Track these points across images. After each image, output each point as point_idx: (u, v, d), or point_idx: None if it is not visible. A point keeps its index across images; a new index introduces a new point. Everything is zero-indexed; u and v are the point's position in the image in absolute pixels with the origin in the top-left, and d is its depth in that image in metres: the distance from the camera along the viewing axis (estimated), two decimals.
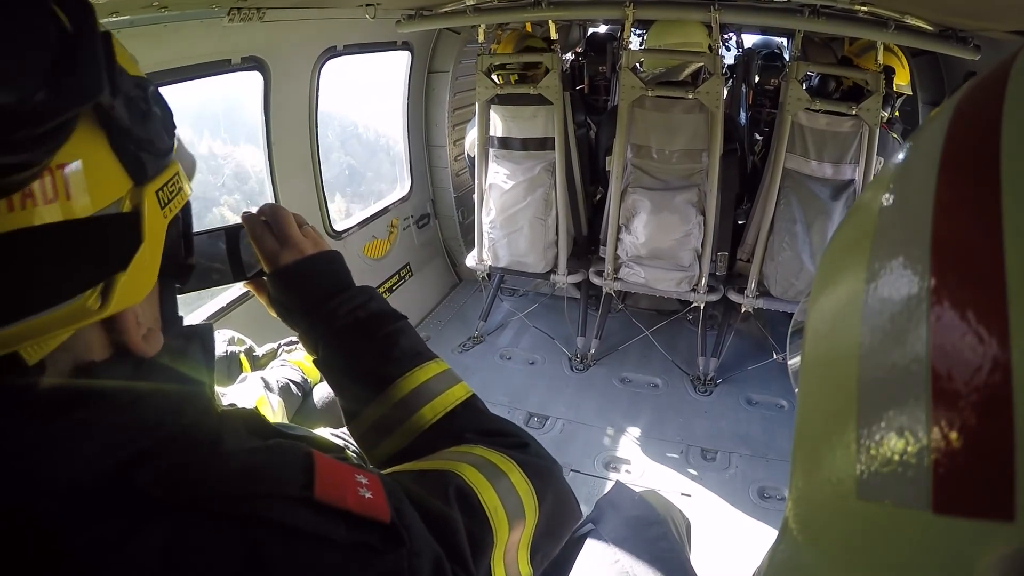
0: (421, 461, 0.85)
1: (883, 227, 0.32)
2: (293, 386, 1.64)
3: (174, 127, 0.65)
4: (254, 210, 1.03)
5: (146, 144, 0.60)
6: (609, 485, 1.80)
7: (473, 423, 0.96)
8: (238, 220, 1.02)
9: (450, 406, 0.95)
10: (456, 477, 0.80)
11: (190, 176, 0.72)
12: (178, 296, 0.76)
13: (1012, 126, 0.27)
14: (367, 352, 0.96)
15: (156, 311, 0.68)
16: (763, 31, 5.43)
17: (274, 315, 1.02)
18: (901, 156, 0.34)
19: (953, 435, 0.25)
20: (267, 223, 1.00)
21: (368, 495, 0.66)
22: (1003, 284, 0.24)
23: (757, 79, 5.10)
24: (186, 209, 0.71)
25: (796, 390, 0.42)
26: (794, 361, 0.59)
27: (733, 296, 3.82)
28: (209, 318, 2.86)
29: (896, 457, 0.27)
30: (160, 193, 0.62)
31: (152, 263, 0.62)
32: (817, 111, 3.30)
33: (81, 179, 0.52)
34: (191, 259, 0.73)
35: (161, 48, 2.43)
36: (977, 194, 0.27)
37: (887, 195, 0.33)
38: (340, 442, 1.07)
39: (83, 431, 0.55)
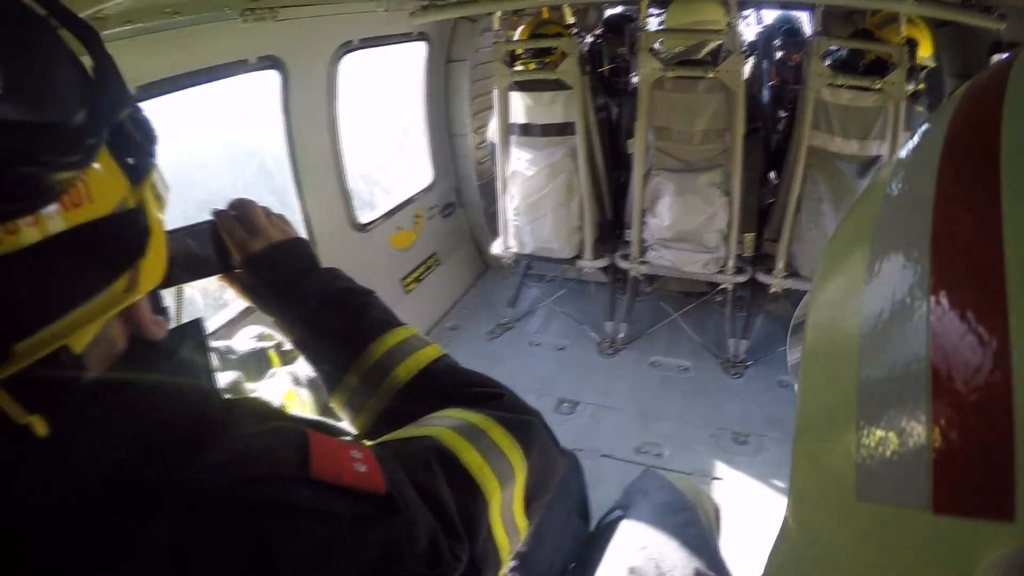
0: (400, 431, 0.88)
1: (883, 227, 0.32)
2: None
3: (154, 129, 0.69)
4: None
5: (139, 147, 0.65)
6: (640, 470, 1.80)
7: (447, 377, 1.00)
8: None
9: (423, 364, 0.99)
10: (434, 441, 0.82)
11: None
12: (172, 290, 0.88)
13: (1012, 127, 0.27)
14: (339, 325, 1.01)
15: (149, 305, 0.72)
16: (783, 6, 5.32)
17: (247, 303, 1.07)
18: (902, 154, 0.34)
19: (953, 435, 0.25)
20: (237, 216, 1.05)
21: (363, 468, 0.69)
22: (1003, 284, 0.24)
23: (779, 55, 5.01)
24: None
25: (795, 386, 0.42)
26: (794, 356, 0.58)
27: (761, 277, 3.78)
28: (240, 314, 2.90)
29: (896, 457, 0.28)
30: (152, 189, 0.67)
31: (160, 249, 0.67)
32: (840, 86, 3.23)
33: (98, 183, 0.58)
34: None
35: (177, 53, 2.46)
36: (977, 195, 0.27)
37: (889, 193, 0.33)
38: None
39: (93, 430, 0.58)
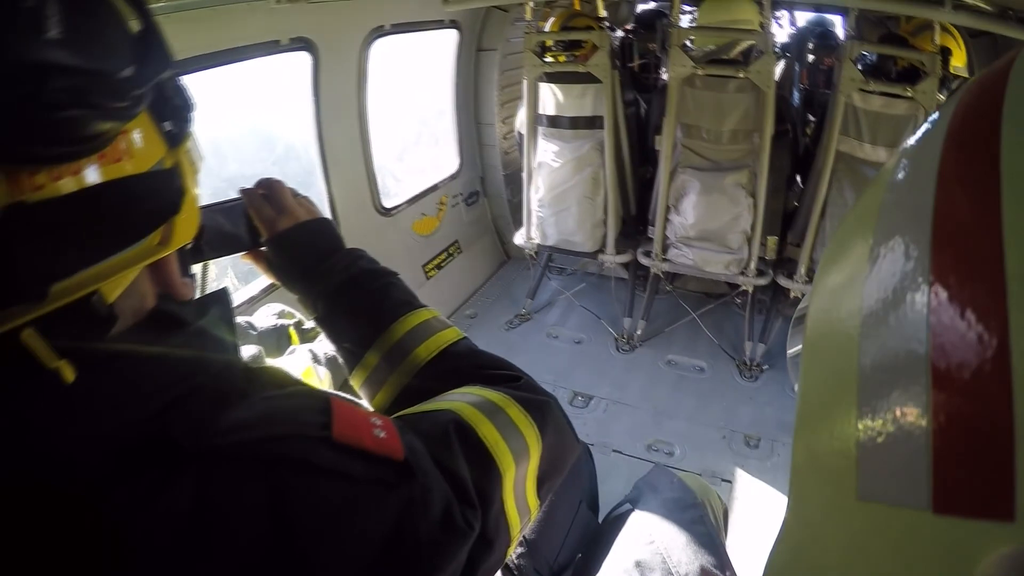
0: (420, 405, 0.89)
1: (885, 217, 0.32)
2: (336, 354, 1.68)
3: (192, 97, 0.73)
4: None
5: (178, 112, 0.69)
6: (650, 467, 1.81)
7: (466, 359, 1.02)
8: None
9: (443, 345, 1.01)
10: (453, 414, 0.83)
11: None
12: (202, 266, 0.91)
13: (1012, 124, 0.27)
14: (362, 304, 1.03)
15: (178, 268, 0.76)
16: (816, 8, 5.25)
17: (272, 280, 1.09)
18: (908, 144, 0.34)
19: (952, 435, 0.25)
20: (265, 195, 1.07)
21: (383, 435, 0.71)
22: (1003, 282, 0.24)
23: (811, 58, 4.94)
24: None
25: (795, 384, 0.42)
26: (794, 349, 0.57)
27: (782, 281, 3.73)
28: (261, 292, 2.93)
29: (895, 457, 0.27)
30: (187, 155, 0.71)
31: (193, 209, 0.71)
32: (872, 92, 3.17)
33: (139, 141, 0.62)
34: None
35: (211, 31, 2.48)
36: (977, 190, 0.27)
37: (892, 184, 0.33)
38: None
39: (121, 384, 0.60)
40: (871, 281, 0.31)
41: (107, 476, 0.56)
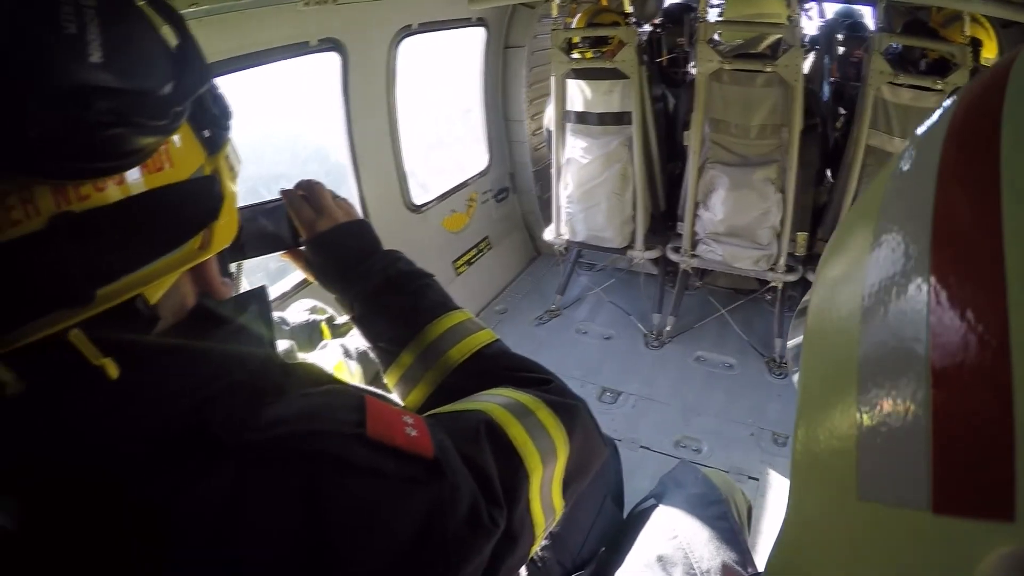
0: (452, 405, 0.91)
1: (888, 209, 0.32)
2: (371, 352, 1.70)
3: (229, 104, 0.76)
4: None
5: (216, 120, 0.72)
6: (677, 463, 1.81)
7: (499, 361, 1.03)
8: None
9: (476, 347, 1.02)
10: (483, 415, 0.85)
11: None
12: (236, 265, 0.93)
13: (1012, 127, 0.27)
14: (398, 305, 1.05)
15: (217, 270, 0.79)
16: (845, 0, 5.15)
17: (310, 279, 1.12)
18: (915, 135, 0.34)
19: (953, 435, 0.25)
20: (305, 197, 1.09)
21: (414, 433, 0.72)
22: (1003, 285, 0.24)
23: (841, 51, 4.85)
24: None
25: (793, 377, 0.42)
26: (795, 341, 0.57)
27: (812, 277, 3.64)
28: (294, 288, 2.96)
29: (895, 457, 0.27)
30: (226, 160, 0.74)
31: (232, 213, 0.75)
32: (901, 85, 3.10)
33: (179, 151, 0.66)
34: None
35: (240, 34, 2.51)
36: (977, 185, 0.27)
37: (895, 175, 0.33)
38: None
39: (162, 379, 0.63)
40: (871, 279, 0.31)
41: (148, 463, 0.58)
